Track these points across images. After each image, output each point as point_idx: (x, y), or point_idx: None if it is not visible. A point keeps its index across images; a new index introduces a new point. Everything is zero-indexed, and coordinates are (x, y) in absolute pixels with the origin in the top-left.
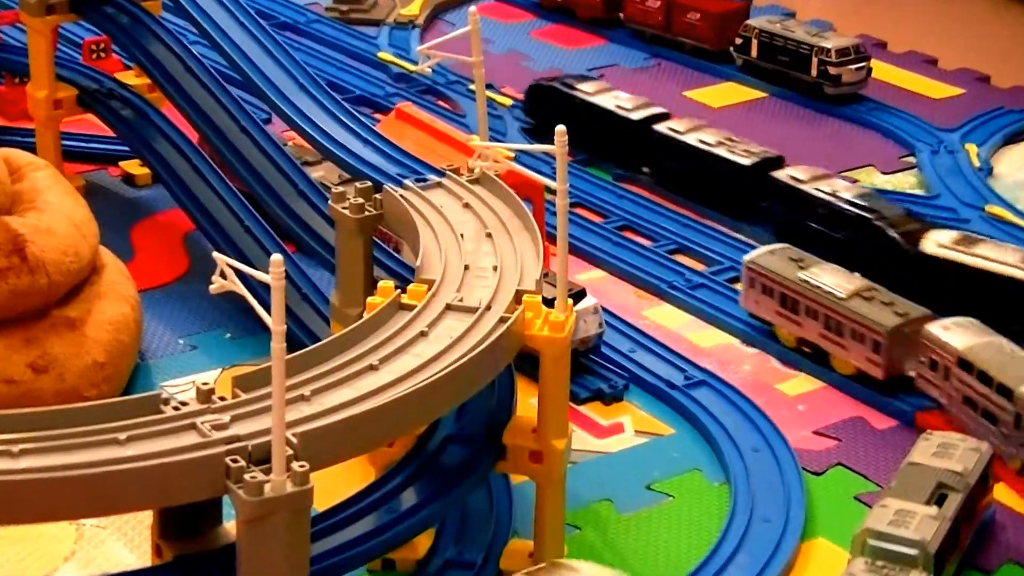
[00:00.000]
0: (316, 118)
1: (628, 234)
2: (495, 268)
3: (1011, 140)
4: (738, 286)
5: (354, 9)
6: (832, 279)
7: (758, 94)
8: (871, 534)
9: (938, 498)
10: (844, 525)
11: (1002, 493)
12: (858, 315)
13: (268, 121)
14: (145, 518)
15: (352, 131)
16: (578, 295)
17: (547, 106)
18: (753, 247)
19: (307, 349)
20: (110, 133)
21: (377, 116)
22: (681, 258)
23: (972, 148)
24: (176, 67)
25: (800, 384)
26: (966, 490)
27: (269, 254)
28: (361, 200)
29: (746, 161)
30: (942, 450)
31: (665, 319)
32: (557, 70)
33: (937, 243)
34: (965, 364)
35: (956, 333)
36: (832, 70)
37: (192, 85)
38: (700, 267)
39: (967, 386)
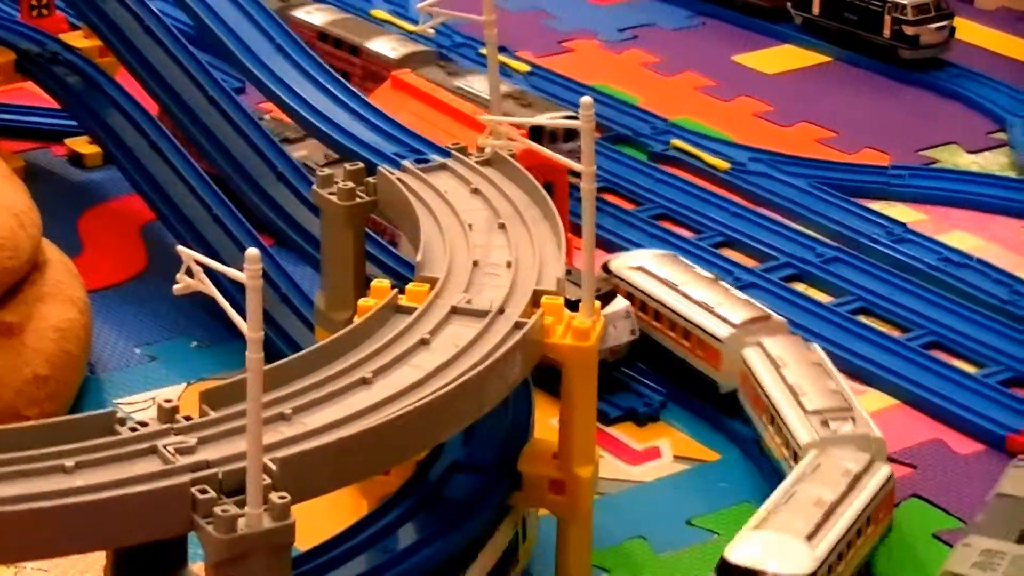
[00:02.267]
0: (298, 87)
1: (666, 224)
2: (509, 264)
3: None
4: (798, 286)
5: None
6: None
7: (821, 58)
8: None
9: None
10: (921, 567)
11: None
12: None
13: (241, 91)
14: (97, 560)
15: (340, 102)
16: (607, 296)
17: None
18: (816, 240)
19: (288, 359)
20: (54, 104)
21: (371, 86)
22: (729, 253)
23: None
24: (132, 27)
25: (870, 401)
26: None
27: (243, 248)
28: (351, 184)
29: None
30: None
31: None
32: (585, 29)
33: None
34: None
35: None
36: (909, 30)
37: (151, 48)
38: (752, 263)
39: None
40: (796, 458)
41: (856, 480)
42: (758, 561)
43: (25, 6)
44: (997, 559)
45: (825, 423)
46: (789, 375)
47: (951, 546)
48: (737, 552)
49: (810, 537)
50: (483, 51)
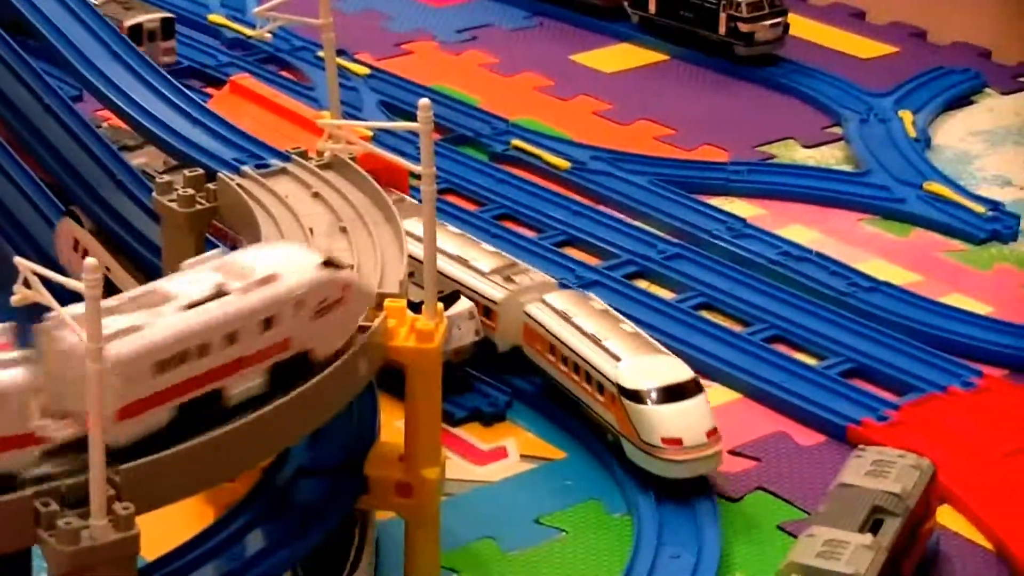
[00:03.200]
0: (135, 93)
1: (509, 224)
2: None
3: (952, 106)
4: (640, 283)
5: None
6: None
7: (658, 56)
8: (797, 568)
9: (873, 524)
10: (766, 559)
11: (947, 517)
12: None
13: (78, 99)
14: None
15: (179, 108)
16: (450, 298)
17: None
18: (657, 237)
19: None
20: None
21: (208, 91)
22: (572, 251)
23: (907, 116)
24: None
25: (713, 395)
26: (906, 515)
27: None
28: (191, 191)
29: None
30: (877, 468)
31: None
32: (422, 31)
33: None
34: None
35: None
36: (743, 27)
37: None
38: (594, 261)
39: None
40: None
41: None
42: None
43: None
44: (840, 548)
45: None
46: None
47: (795, 537)
48: None
49: None
50: (321, 54)
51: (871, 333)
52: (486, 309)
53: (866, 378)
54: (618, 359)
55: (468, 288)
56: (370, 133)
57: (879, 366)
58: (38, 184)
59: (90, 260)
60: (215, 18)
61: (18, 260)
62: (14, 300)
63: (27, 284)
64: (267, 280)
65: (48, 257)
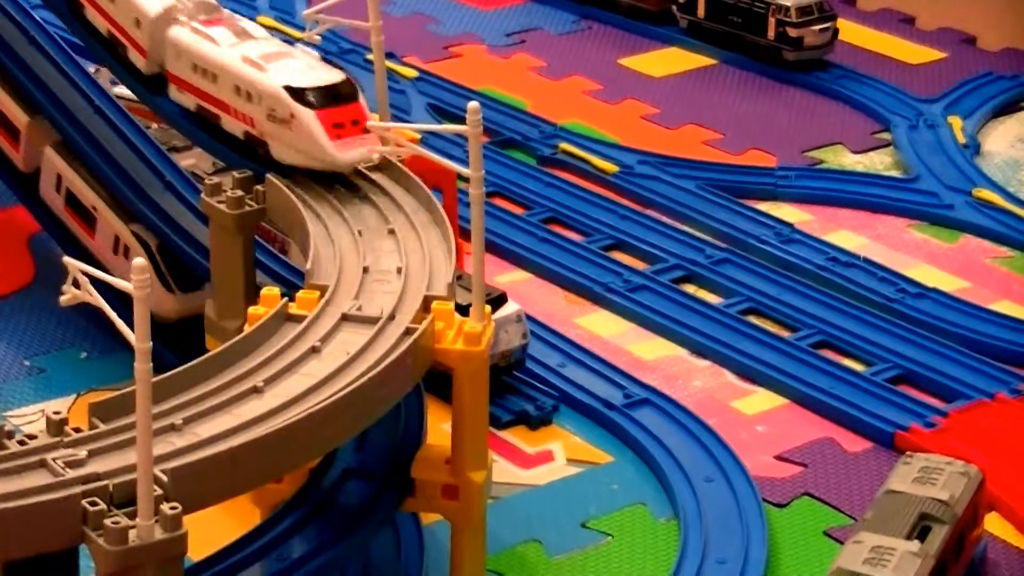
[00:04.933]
0: None
1: (556, 228)
2: (399, 270)
3: (1001, 112)
4: (687, 287)
5: None
6: None
7: (706, 61)
8: (844, 575)
9: (920, 531)
10: (812, 565)
11: (995, 524)
12: None
13: None
14: None
15: None
16: (498, 300)
17: None
18: (704, 242)
19: (178, 370)
20: None
21: None
22: (619, 255)
23: (956, 122)
24: (15, 36)
25: (760, 401)
26: (953, 522)
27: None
28: (240, 192)
29: None
30: (924, 475)
31: (601, 327)
32: (470, 34)
33: None
34: None
35: None
36: (792, 32)
37: (34, 58)
38: (641, 266)
39: None
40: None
41: None
42: None
43: None
44: (887, 555)
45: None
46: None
47: (842, 543)
48: None
49: None
50: (370, 57)
51: (919, 339)
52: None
53: (914, 384)
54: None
55: None
56: (418, 136)
57: (927, 372)
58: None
59: (138, 260)
60: (264, 20)
61: (67, 260)
62: (63, 300)
63: (76, 284)
64: (255, 65)
65: (98, 258)
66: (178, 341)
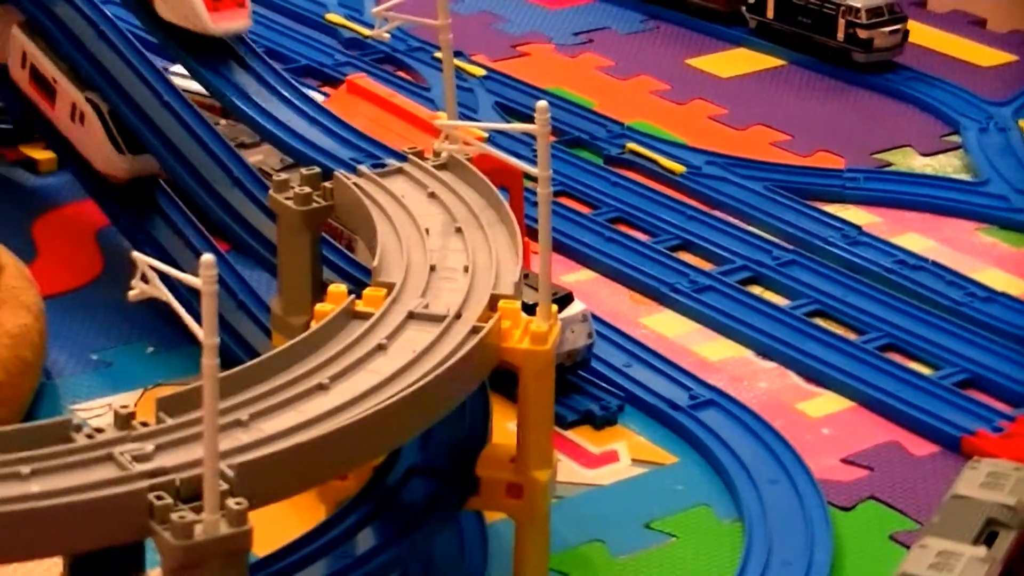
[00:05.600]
0: (253, 92)
1: (622, 228)
2: (466, 269)
3: None
4: (754, 289)
5: None
6: None
7: (775, 62)
8: None
9: (987, 537)
10: (877, 569)
11: None
12: None
13: None
14: (53, 566)
15: (295, 107)
16: (564, 300)
17: None
18: (771, 243)
19: (244, 366)
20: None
21: (325, 90)
22: (685, 256)
23: None
24: (84, 30)
25: (825, 404)
26: (1020, 527)
27: (199, 254)
28: (307, 189)
29: None
30: (992, 480)
31: (666, 328)
32: (538, 33)
33: None
34: None
35: None
36: (862, 33)
37: (103, 51)
38: (707, 266)
39: None
40: None
41: None
42: None
43: None
44: (953, 560)
45: None
46: None
47: (907, 547)
48: None
49: None
50: (438, 55)
51: (987, 343)
52: None
53: (981, 389)
54: None
55: None
56: (485, 134)
57: (994, 377)
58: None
59: (207, 256)
60: (332, 17)
61: (135, 254)
62: (131, 295)
63: (144, 279)
64: None
65: (166, 252)
66: (129, 200)
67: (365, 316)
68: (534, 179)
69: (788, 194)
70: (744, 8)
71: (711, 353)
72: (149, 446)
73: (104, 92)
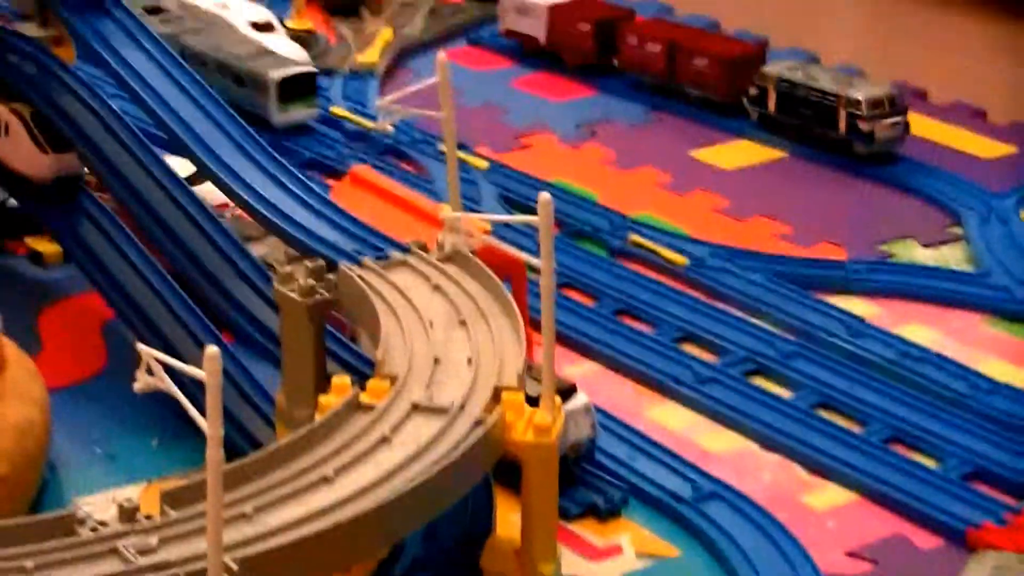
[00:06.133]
0: (257, 184)
1: (626, 319)
2: (470, 361)
3: None
4: (757, 380)
5: None
6: None
7: (777, 153)
8: None
9: None
10: None
11: None
12: None
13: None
14: None
15: (300, 200)
16: (567, 392)
17: None
18: (774, 335)
19: (249, 458)
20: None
21: (329, 182)
22: (689, 348)
23: None
24: (91, 124)
25: (830, 495)
26: None
27: (203, 346)
28: (311, 281)
29: None
30: (997, 572)
31: (670, 420)
32: (542, 125)
33: None
34: None
35: None
36: (863, 125)
37: (111, 145)
38: (710, 358)
39: None
40: None
41: None
42: None
43: None
44: None
45: None
46: None
47: None
48: None
49: None
50: (442, 147)
51: (991, 435)
52: None
53: (986, 481)
54: None
55: None
56: (489, 226)
57: (999, 469)
58: (161, 272)
59: (211, 348)
60: (337, 110)
61: (140, 347)
62: (137, 387)
63: (149, 371)
64: None
65: (171, 345)
66: (53, 199)
67: (369, 408)
68: (538, 271)
69: (791, 285)
70: (746, 100)
71: (715, 445)
72: (153, 539)
73: (111, 184)
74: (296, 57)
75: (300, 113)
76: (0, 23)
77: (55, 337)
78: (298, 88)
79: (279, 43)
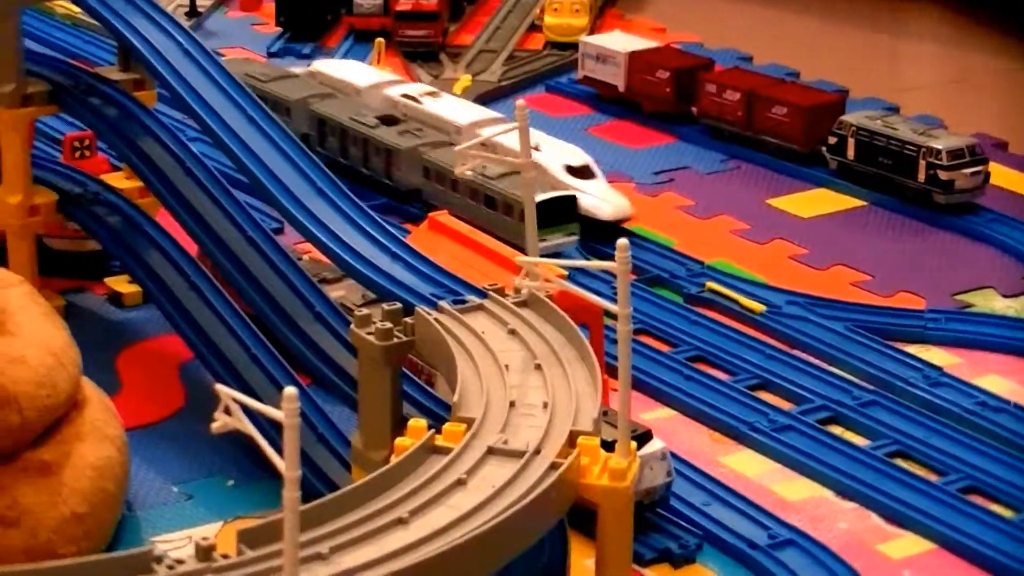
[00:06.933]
0: (335, 227)
1: (702, 366)
2: (545, 405)
3: None
4: (834, 429)
5: None
6: None
7: (855, 202)
8: None
9: None
10: None
11: None
12: None
13: (280, 231)
14: None
15: (378, 243)
16: (643, 437)
17: None
18: (851, 383)
19: (324, 499)
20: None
21: (408, 226)
22: (764, 395)
23: None
24: (172, 168)
25: (907, 545)
26: None
27: (280, 387)
28: (388, 324)
29: None
30: None
31: (745, 467)
32: (620, 173)
33: None
34: None
35: None
36: (943, 175)
37: (190, 188)
38: (787, 406)
39: None
40: None
41: None
42: None
43: (67, 148)
44: None
45: None
46: None
47: None
48: None
49: None
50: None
51: None
52: None
53: None
54: None
55: None
56: (566, 272)
57: None
58: (240, 315)
59: (289, 389)
60: None
61: (218, 387)
62: (214, 427)
63: (227, 411)
64: None
65: (249, 387)
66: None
67: (445, 451)
68: (615, 317)
69: (868, 334)
70: (824, 149)
71: (790, 493)
72: None
73: (189, 227)
74: (621, 208)
75: (557, 240)
76: (82, 67)
77: (133, 377)
78: (556, 214)
79: (601, 190)
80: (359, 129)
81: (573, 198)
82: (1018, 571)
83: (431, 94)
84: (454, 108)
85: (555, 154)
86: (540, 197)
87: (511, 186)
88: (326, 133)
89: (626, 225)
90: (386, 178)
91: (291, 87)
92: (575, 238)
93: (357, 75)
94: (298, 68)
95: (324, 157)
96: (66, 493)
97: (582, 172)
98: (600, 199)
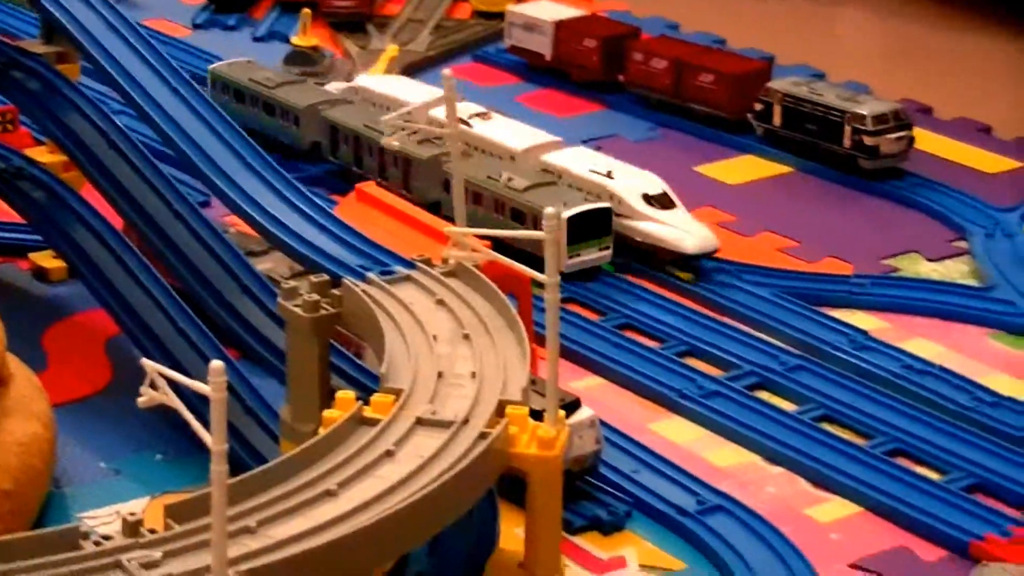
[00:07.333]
0: (262, 200)
1: (631, 334)
2: (473, 375)
3: None
4: (762, 394)
5: (307, 72)
6: None
7: (782, 168)
8: None
9: None
10: None
11: None
12: None
13: (206, 204)
14: None
15: (305, 215)
16: (572, 406)
17: None
18: (779, 349)
19: (253, 472)
20: (18, 219)
21: (335, 197)
22: (693, 362)
23: None
24: (97, 141)
25: (834, 509)
26: None
27: (208, 361)
28: (316, 296)
29: None
30: None
31: (675, 434)
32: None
33: None
34: None
35: None
36: (868, 140)
37: (115, 162)
38: (715, 372)
39: None
40: None
41: None
42: None
43: None
44: None
45: None
46: None
47: None
48: None
49: None
50: (449, 165)
51: (994, 448)
52: None
53: (989, 493)
54: None
55: None
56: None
57: (1002, 481)
58: (167, 289)
59: (216, 363)
60: None
61: (145, 362)
62: (141, 402)
63: (154, 386)
64: None
65: (176, 361)
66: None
67: (373, 422)
68: (542, 286)
69: (796, 300)
70: (751, 116)
71: (719, 459)
72: (157, 553)
73: (115, 201)
74: (707, 240)
75: (592, 255)
76: (4, 40)
77: (60, 353)
78: (589, 228)
79: (683, 221)
80: (375, 137)
81: (608, 211)
82: (942, 531)
83: (481, 115)
84: (507, 131)
85: (631, 183)
86: (574, 210)
87: (538, 199)
88: (339, 141)
89: None
90: (404, 189)
91: (298, 93)
92: (608, 252)
93: (404, 92)
94: (339, 85)
95: (336, 167)
96: None
97: (661, 201)
98: (683, 231)
